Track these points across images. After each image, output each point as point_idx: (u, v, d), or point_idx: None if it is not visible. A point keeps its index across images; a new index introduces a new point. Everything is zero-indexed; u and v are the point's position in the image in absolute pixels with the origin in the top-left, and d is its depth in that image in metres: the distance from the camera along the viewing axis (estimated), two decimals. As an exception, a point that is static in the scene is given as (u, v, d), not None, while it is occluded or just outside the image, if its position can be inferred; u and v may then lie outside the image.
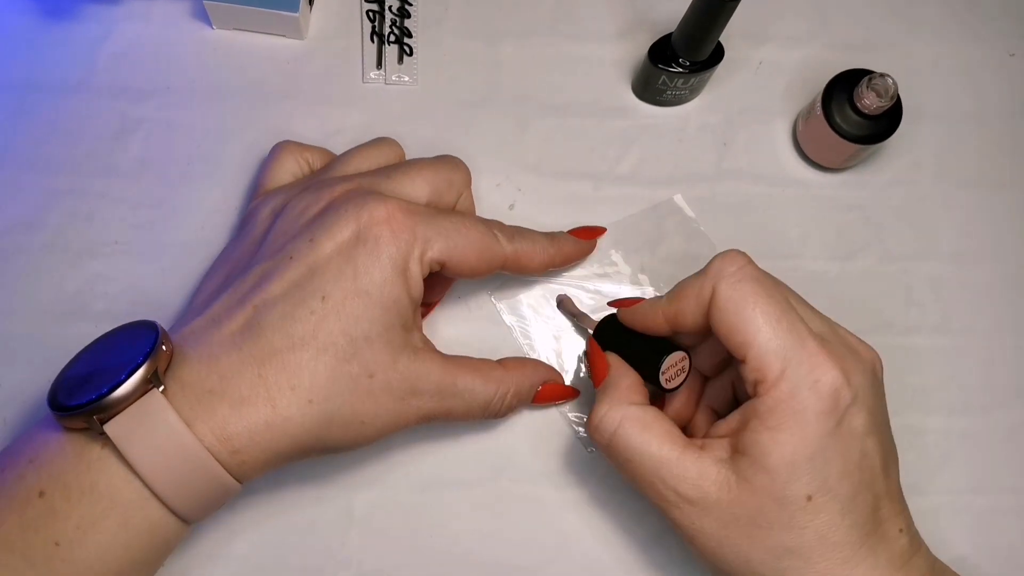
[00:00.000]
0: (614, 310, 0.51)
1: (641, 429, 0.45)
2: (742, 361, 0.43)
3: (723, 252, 0.45)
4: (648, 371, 0.47)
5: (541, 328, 0.56)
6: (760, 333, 0.42)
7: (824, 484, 0.41)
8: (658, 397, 0.49)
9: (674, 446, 0.44)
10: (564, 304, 0.56)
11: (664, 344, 0.48)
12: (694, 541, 0.44)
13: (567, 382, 0.54)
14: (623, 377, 0.48)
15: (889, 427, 0.45)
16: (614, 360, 0.49)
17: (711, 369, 0.50)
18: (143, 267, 0.55)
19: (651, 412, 0.45)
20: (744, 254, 0.45)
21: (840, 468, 0.42)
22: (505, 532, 0.53)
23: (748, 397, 0.44)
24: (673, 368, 0.47)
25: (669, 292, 0.47)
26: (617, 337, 0.51)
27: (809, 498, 0.41)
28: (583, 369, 0.55)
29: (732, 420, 0.44)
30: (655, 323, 0.47)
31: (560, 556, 0.53)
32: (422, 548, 0.52)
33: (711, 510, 0.43)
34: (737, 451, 0.43)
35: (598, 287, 0.56)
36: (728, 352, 0.44)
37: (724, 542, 0.43)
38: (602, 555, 0.53)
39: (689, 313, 0.45)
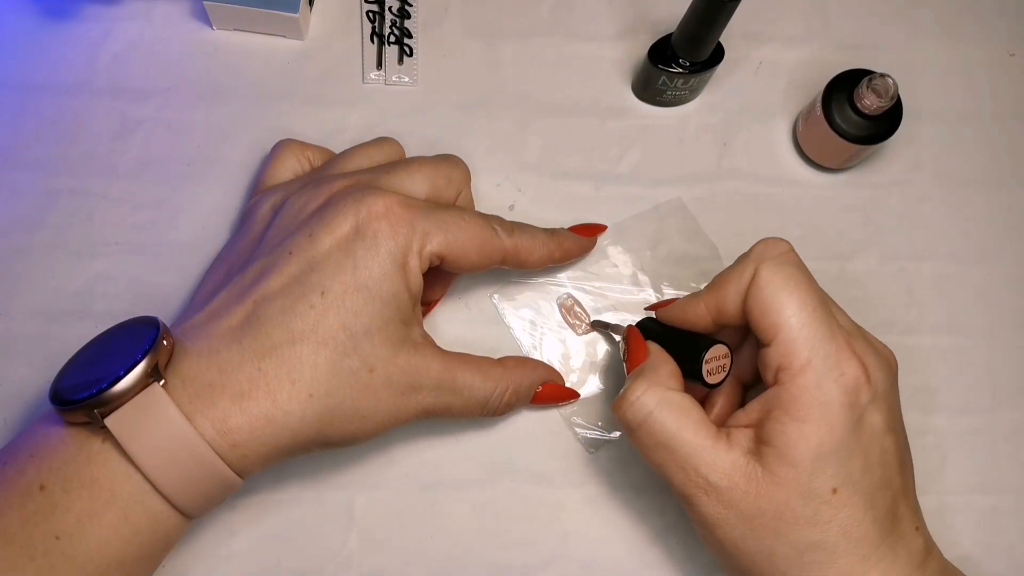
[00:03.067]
0: (651, 314, 0.51)
1: (679, 414, 0.44)
2: (767, 344, 0.43)
3: (766, 238, 0.45)
4: (690, 364, 0.47)
5: (542, 329, 0.56)
6: (794, 317, 0.42)
7: (849, 478, 0.41)
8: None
9: (708, 434, 0.44)
10: (596, 323, 0.55)
11: (705, 339, 0.47)
12: (716, 531, 0.44)
13: (568, 383, 0.54)
14: (663, 364, 0.47)
15: (904, 427, 0.45)
16: (655, 348, 0.49)
17: (751, 374, 0.50)
18: (143, 267, 0.55)
19: (688, 399, 0.45)
20: (787, 241, 0.45)
21: (862, 463, 0.42)
22: (505, 532, 0.53)
23: (767, 386, 0.43)
24: (715, 362, 0.46)
25: (709, 283, 0.47)
26: (656, 338, 0.50)
27: (834, 491, 0.41)
28: (620, 352, 0.53)
29: (752, 409, 0.44)
30: (696, 315, 0.47)
31: (560, 556, 0.52)
32: (422, 548, 0.52)
33: (739, 501, 0.43)
34: (762, 441, 0.43)
35: (598, 287, 0.56)
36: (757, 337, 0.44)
37: (748, 535, 0.43)
38: (602, 555, 0.53)
39: (730, 300, 0.45)
